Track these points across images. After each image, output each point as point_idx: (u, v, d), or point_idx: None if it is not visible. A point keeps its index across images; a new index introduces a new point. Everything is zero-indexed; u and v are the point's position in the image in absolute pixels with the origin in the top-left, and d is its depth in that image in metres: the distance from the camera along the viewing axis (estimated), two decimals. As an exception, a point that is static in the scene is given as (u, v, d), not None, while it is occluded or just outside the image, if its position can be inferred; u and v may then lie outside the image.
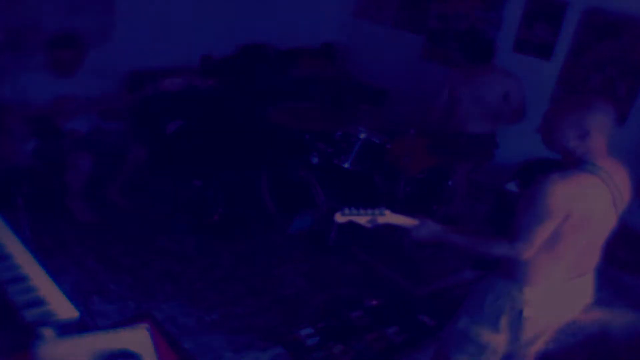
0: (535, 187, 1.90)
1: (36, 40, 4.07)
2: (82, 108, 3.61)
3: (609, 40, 4.16)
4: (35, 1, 4.10)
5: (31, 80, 3.50)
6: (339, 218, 2.13)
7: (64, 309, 1.77)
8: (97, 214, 3.82)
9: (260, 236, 3.92)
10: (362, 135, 3.81)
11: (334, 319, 3.21)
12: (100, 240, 3.63)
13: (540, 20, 4.51)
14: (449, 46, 5.15)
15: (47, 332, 1.66)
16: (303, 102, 4.57)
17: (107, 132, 3.87)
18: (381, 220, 2.13)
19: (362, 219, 2.13)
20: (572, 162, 1.95)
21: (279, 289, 3.43)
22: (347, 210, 2.11)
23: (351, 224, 2.17)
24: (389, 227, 2.16)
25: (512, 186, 4.23)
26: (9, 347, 1.64)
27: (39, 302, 1.77)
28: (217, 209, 4.02)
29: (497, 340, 2.13)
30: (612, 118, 1.93)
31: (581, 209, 1.88)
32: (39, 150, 3.55)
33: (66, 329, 1.71)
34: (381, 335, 3.14)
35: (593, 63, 4.26)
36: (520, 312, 2.04)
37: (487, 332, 2.12)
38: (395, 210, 2.16)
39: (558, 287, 2.05)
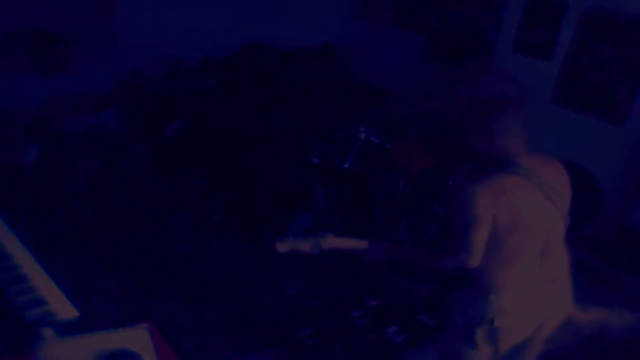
0: (457, 196, 1.93)
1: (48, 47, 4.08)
2: (76, 108, 3.59)
3: (609, 40, 4.16)
4: (35, 2, 4.11)
5: (26, 84, 3.48)
6: (280, 248, 2.09)
7: (64, 309, 1.77)
8: (98, 212, 3.82)
9: (260, 236, 3.92)
10: (362, 135, 3.81)
11: (334, 319, 3.22)
12: (100, 240, 3.63)
13: (540, 20, 4.51)
14: (447, 45, 5.15)
15: (47, 332, 1.66)
16: (303, 102, 4.57)
17: (103, 129, 3.86)
18: (325, 245, 2.10)
19: (304, 246, 2.10)
20: (490, 164, 1.94)
21: (279, 289, 3.43)
22: (286, 239, 2.08)
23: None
24: (336, 251, 2.13)
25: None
26: (9, 347, 1.64)
27: (39, 302, 1.77)
28: (217, 209, 4.02)
29: (478, 356, 2.10)
30: (518, 118, 1.94)
31: (506, 209, 1.88)
32: (41, 156, 3.54)
33: (66, 329, 1.71)
34: (381, 335, 3.14)
35: (593, 63, 4.26)
36: (492, 321, 2.01)
37: (466, 348, 2.11)
38: (339, 232, 2.13)
39: (527, 294, 2.02)
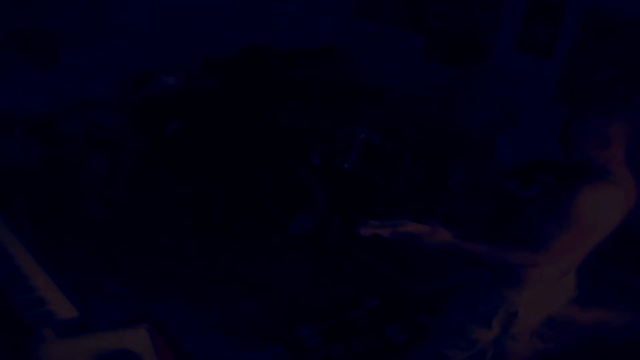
0: (564, 196, 1.86)
1: (37, 42, 4.07)
2: (78, 108, 3.59)
3: (609, 40, 4.16)
4: (35, 1, 4.10)
5: (25, 84, 3.48)
6: (365, 232, 2.06)
7: (64, 309, 1.77)
8: (111, 212, 3.81)
9: (260, 236, 3.92)
10: (362, 135, 3.81)
11: (334, 319, 3.22)
12: (101, 240, 3.63)
13: (541, 19, 4.51)
14: (447, 45, 5.15)
15: (47, 332, 1.65)
16: (303, 102, 4.57)
17: (104, 128, 3.85)
18: (401, 229, 2.07)
19: (384, 231, 2.07)
20: (591, 172, 1.90)
21: (279, 289, 3.43)
22: (370, 224, 2.06)
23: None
24: (406, 235, 2.09)
25: (512, 186, 4.23)
26: (9, 347, 1.64)
27: (39, 302, 1.77)
28: (217, 209, 4.02)
29: (488, 335, 2.19)
30: (632, 126, 1.88)
31: (607, 221, 1.88)
32: (43, 157, 3.53)
33: (66, 329, 1.71)
34: (381, 335, 3.14)
35: (593, 63, 4.26)
36: (516, 313, 2.08)
37: (479, 329, 2.18)
38: (410, 217, 2.14)
39: (547, 287, 2.09)
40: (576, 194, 1.84)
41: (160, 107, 4.57)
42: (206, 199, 4.17)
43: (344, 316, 3.25)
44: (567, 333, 3.00)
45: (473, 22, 4.96)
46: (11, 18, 4.05)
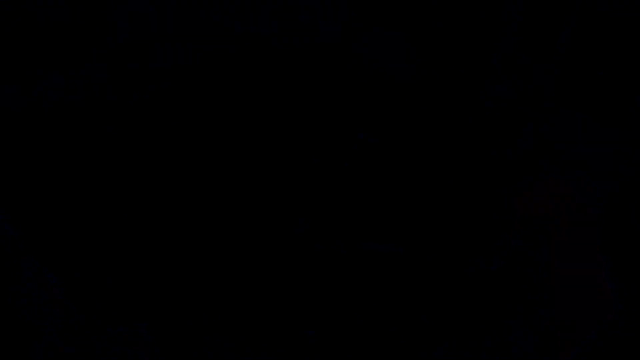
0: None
1: (37, 40, 4.07)
2: (85, 113, 3.60)
3: (609, 40, 4.16)
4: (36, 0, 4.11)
5: (37, 84, 3.48)
6: None
7: (67, 308, 1.77)
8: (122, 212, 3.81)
9: (260, 236, 3.92)
10: (362, 135, 3.82)
11: (334, 319, 3.22)
12: (101, 240, 3.63)
13: (540, 19, 4.52)
14: (448, 46, 5.16)
15: (47, 332, 1.66)
16: (302, 102, 4.57)
17: (106, 128, 3.87)
18: None
19: None
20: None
21: (279, 288, 3.43)
22: None
23: None
24: None
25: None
26: (9, 347, 1.64)
27: (38, 302, 1.77)
28: (218, 209, 4.03)
29: None
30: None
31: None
32: (46, 159, 3.54)
33: (66, 329, 1.71)
34: (381, 334, 3.14)
35: (593, 63, 4.27)
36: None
37: None
38: None
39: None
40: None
41: (160, 108, 4.58)
42: (206, 198, 4.18)
43: (344, 315, 3.25)
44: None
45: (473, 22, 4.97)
46: (8, 13, 4.06)
